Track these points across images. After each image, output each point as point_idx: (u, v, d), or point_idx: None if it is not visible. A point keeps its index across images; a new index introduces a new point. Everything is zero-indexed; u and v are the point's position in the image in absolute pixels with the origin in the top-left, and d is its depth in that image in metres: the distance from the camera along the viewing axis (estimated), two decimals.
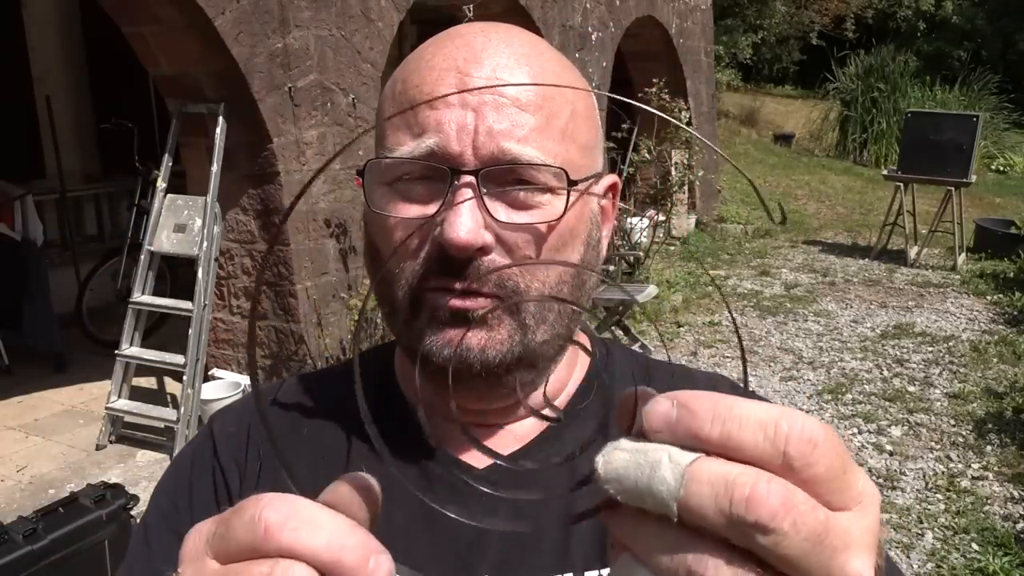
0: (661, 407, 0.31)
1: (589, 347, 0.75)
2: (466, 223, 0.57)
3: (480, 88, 0.59)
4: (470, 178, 0.58)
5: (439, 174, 0.59)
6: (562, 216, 0.60)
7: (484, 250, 0.59)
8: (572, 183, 0.60)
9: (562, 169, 0.60)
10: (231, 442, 0.71)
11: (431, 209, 0.60)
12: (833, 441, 0.30)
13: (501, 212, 0.59)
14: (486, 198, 0.59)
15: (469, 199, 0.58)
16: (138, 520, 2.82)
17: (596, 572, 0.64)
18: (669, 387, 0.76)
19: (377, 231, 0.64)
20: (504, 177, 0.59)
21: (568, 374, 0.72)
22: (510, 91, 0.59)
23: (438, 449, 0.67)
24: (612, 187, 0.69)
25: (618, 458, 0.31)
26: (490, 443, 0.67)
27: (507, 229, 0.60)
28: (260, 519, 0.31)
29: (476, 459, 0.67)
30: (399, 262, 0.61)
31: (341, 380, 0.75)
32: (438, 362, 0.60)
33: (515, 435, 0.68)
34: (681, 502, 0.29)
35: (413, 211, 0.61)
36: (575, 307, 0.57)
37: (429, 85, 0.60)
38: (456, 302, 0.60)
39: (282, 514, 0.31)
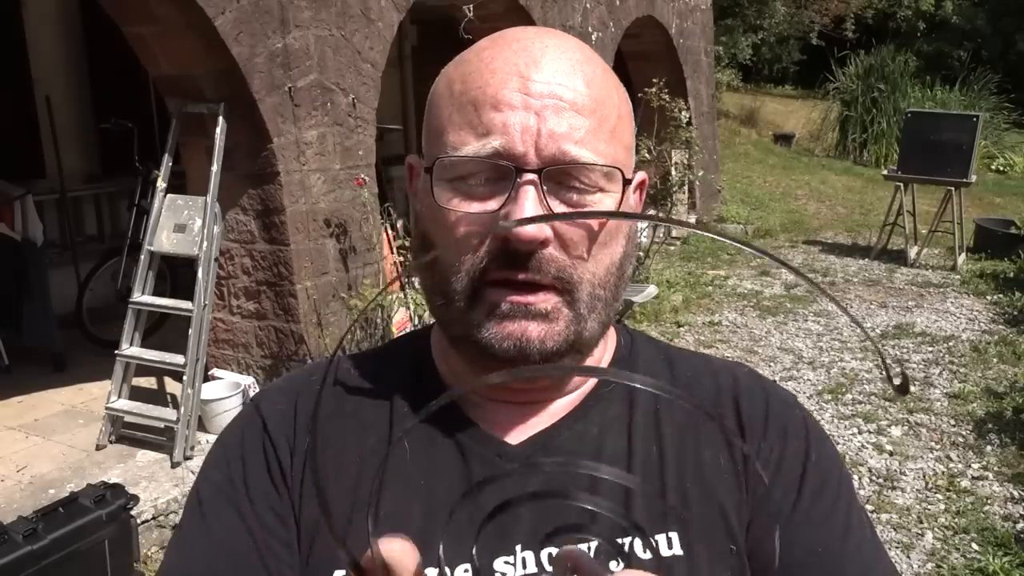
0: None
1: (615, 335, 0.79)
2: None
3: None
4: (533, 176, 0.62)
5: (501, 173, 0.63)
6: (618, 207, 0.65)
7: (544, 243, 0.63)
8: (627, 181, 0.66)
9: (617, 168, 0.65)
10: (281, 419, 0.74)
11: (491, 206, 0.64)
12: None
13: (559, 208, 0.64)
14: (545, 195, 0.63)
15: (532, 195, 0.62)
16: (138, 520, 2.82)
17: (624, 540, 0.66)
18: (692, 377, 0.77)
19: (436, 226, 0.67)
20: (562, 177, 0.64)
21: (597, 360, 0.76)
22: (567, 95, 0.63)
23: (475, 426, 0.71)
24: (641, 184, 0.73)
25: None
26: (527, 420, 0.72)
27: (565, 223, 0.64)
28: None
29: (511, 436, 0.70)
30: (459, 255, 0.65)
31: (382, 361, 0.79)
32: (498, 352, 0.64)
33: (549, 412, 0.72)
34: None
35: (474, 207, 0.64)
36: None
37: (492, 87, 0.63)
38: (517, 297, 0.64)
39: None
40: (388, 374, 0.76)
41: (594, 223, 0.65)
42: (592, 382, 0.75)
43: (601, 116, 0.65)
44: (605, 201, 0.65)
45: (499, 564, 0.65)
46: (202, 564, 0.68)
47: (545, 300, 0.64)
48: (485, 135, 0.62)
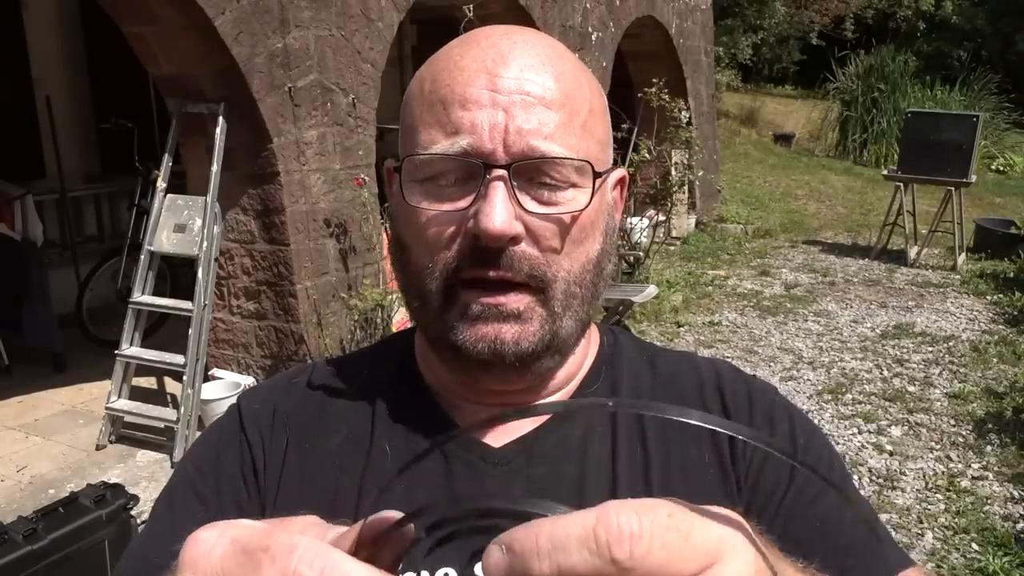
0: (493, 558, 0.31)
1: (597, 335, 0.78)
2: (500, 213, 0.60)
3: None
4: (502, 172, 0.61)
5: (471, 171, 0.62)
6: (587, 205, 0.64)
7: (515, 240, 0.62)
8: (597, 175, 0.64)
9: (587, 162, 0.64)
10: (257, 418, 0.74)
11: (461, 204, 0.63)
12: (658, 522, 0.29)
13: (530, 204, 0.63)
14: (516, 191, 0.62)
15: (502, 191, 0.61)
16: (138, 520, 2.82)
17: None
18: (674, 373, 0.75)
19: (408, 227, 0.66)
20: (532, 172, 0.63)
21: (581, 360, 0.75)
22: (535, 90, 0.63)
23: (457, 429, 0.70)
24: (621, 180, 0.73)
25: None
26: (508, 424, 0.70)
27: (536, 219, 0.63)
28: (295, 574, 0.30)
29: (493, 439, 0.70)
30: (432, 255, 0.64)
31: (365, 363, 0.78)
32: (472, 355, 0.64)
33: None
34: None
35: (445, 207, 0.63)
36: None
37: (460, 85, 0.63)
38: (488, 299, 0.63)
39: (316, 571, 0.30)
40: (371, 376, 0.75)
41: (567, 218, 0.63)
42: (575, 383, 0.74)
43: (571, 110, 0.64)
44: (578, 198, 0.64)
45: (479, 569, 0.64)
46: (158, 549, 0.66)
47: (518, 300, 0.63)
48: (454, 133, 0.62)
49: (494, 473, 0.67)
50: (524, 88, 0.62)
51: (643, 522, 0.29)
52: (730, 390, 0.75)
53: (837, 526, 0.67)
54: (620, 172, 0.72)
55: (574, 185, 0.64)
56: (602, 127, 0.68)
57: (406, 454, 0.69)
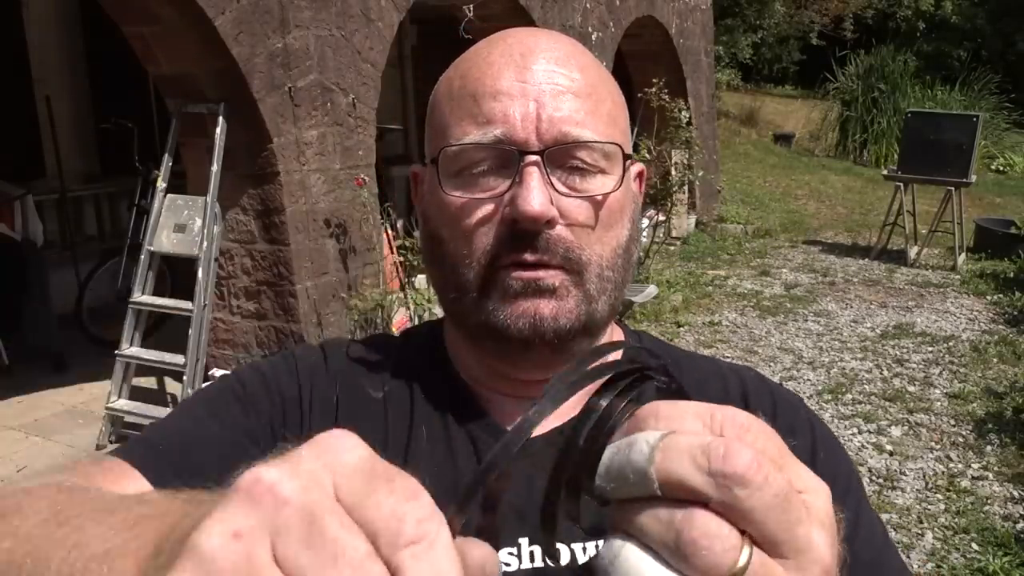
0: None
1: (620, 331, 0.79)
2: (538, 196, 0.62)
3: None
4: (536, 157, 0.63)
5: (505, 159, 0.64)
6: (620, 186, 0.66)
7: (551, 223, 0.64)
8: (627, 157, 0.68)
9: (617, 144, 0.67)
10: (312, 366, 0.75)
11: (497, 192, 0.65)
12: (766, 431, 0.34)
13: (563, 190, 0.65)
14: (549, 176, 0.64)
15: (537, 176, 0.63)
16: None
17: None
18: (700, 379, 0.77)
19: (443, 219, 0.68)
20: (564, 158, 0.65)
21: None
22: (563, 81, 0.65)
23: (487, 417, 0.72)
24: (640, 174, 0.75)
25: (605, 453, 0.35)
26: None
27: (570, 202, 0.65)
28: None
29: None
30: (469, 244, 0.66)
31: (395, 345, 0.80)
32: (513, 333, 0.65)
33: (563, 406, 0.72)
34: (660, 470, 0.31)
35: (479, 195, 0.65)
36: None
37: (490, 78, 0.65)
38: (525, 273, 0.65)
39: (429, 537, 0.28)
40: (405, 357, 0.76)
41: (598, 199, 0.66)
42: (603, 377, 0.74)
43: (597, 99, 0.66)
44: (606, 182, 0.66)
45: (502, 555, 0.64)
46: (195, 429, 0.68)
47: (553, 276, 0.65)
48: (486, 123, 0.64)
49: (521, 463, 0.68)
50: (552, 79, 0.65)
51: (755, 423, 0.34)
52: (755, 401, 0.75)
53: (848, 545, 0.68)
54: (640, 166, 0.74)
55: (603, 171, 0.66)
56: (623, 120, 0.71)
57: (440, 438, 0.70)
